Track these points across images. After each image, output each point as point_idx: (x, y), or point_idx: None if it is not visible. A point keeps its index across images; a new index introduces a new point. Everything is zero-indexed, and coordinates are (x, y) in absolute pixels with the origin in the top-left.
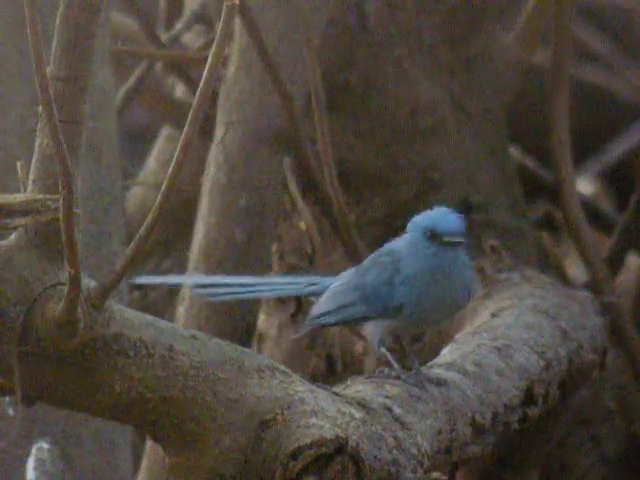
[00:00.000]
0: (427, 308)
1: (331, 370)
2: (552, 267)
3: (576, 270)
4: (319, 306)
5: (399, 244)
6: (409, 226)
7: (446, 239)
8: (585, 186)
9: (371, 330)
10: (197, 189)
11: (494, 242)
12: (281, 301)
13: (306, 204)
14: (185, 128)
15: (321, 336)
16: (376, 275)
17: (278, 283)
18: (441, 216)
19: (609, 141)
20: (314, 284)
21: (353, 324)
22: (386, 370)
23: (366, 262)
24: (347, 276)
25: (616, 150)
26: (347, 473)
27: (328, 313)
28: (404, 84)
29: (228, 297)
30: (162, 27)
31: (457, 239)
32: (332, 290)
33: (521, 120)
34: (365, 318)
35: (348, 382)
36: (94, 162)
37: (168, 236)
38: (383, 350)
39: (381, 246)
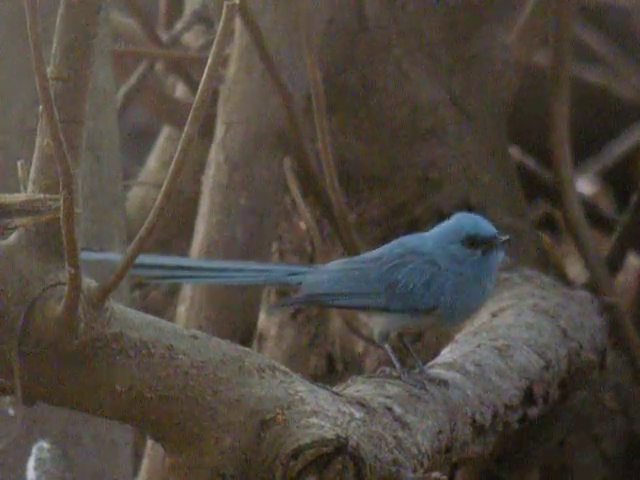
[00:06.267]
0: (459, 311)
1: (331, 370)
2: (552, 267)
3: (576, 270)
4: (324, 285)
5: (427, 246)
6: (440, 231)
7: (486, 245)
8: (585, 186)
9: (379, 322)
10: (197, 189)
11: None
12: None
13: (306, 204)
14: (185, 128)
15: (321, 335)
16: (409, 274)
17: (254, 270)
18: (474, 222)
19: (609, 141)
20: (297, 274)
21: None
22: (387, 370)
23: (383, 255)
24: (350, 264)
25: (616, 150)
26: (347, 473)
27: (339, 295)
28: (404, 84)
29: (195, 281)
30: (162, 27)
31: (495, 242)
32: (341, 273)
33: (521, 120)
34: (382, 310)
35: (348, 382)
36: (94, 162)
37: (168, 236)
38: (386, 345)
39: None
